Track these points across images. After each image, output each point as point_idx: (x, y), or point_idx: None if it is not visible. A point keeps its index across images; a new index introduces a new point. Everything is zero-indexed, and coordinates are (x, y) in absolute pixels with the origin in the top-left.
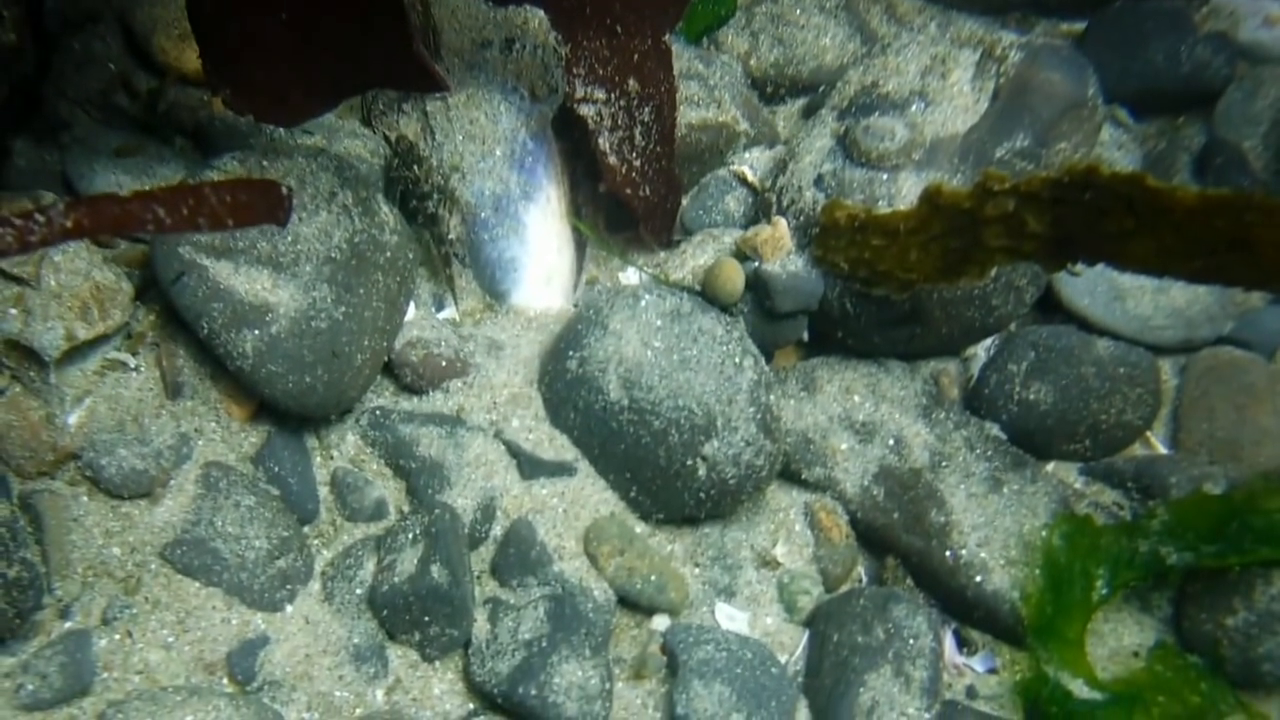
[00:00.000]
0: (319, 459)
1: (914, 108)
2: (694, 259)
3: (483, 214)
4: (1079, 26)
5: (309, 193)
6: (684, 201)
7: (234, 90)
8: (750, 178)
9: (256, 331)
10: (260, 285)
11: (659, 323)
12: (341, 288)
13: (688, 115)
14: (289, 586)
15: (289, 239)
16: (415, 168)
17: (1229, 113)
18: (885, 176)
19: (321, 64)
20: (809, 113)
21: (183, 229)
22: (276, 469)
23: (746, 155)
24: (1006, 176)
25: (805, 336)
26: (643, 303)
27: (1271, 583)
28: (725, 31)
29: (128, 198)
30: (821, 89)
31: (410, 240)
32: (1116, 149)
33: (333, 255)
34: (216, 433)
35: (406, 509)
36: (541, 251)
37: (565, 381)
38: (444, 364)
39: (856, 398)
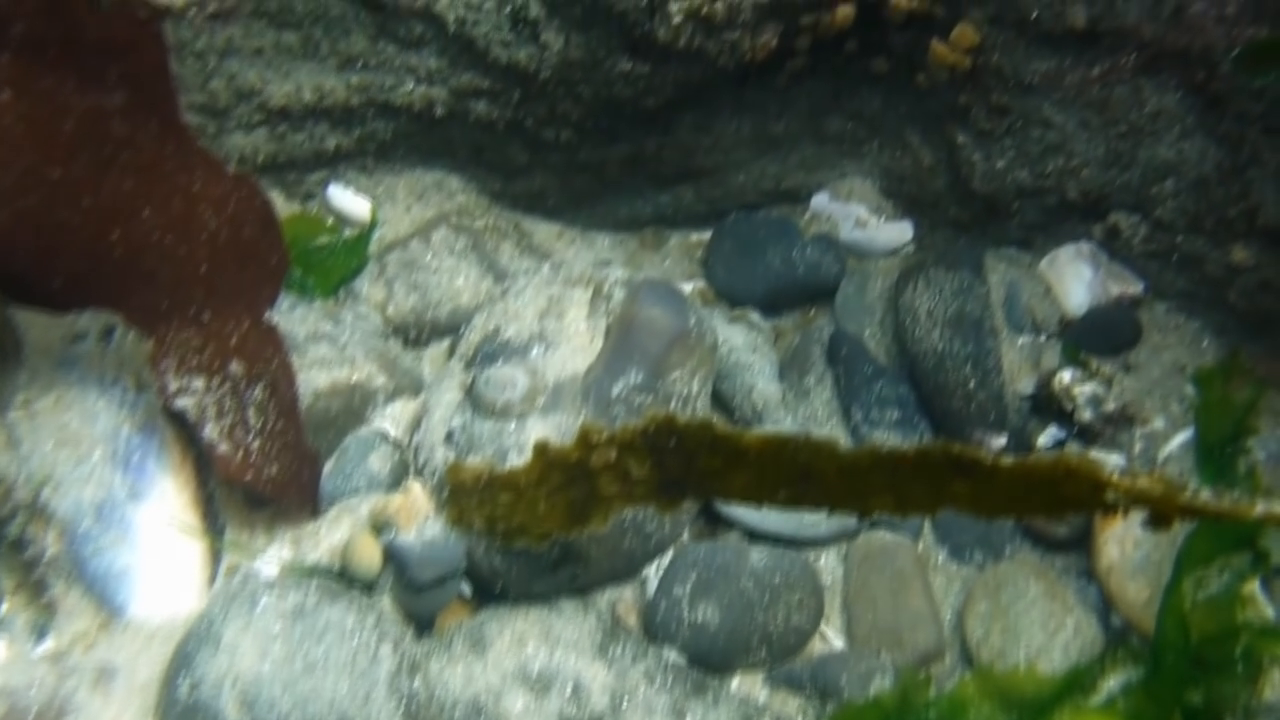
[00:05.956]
0: None
1: (534, 352)
2: (328, 537)
3: (83, 525)
4: (708, 234)
5: None
6: (328, 466)
7: None
8: (393, 434)
9: None
10: None
11: (278, 626)
12: None
13: (316, 380)
14: None
15: None
16: None
17: (846, 305)
18: (513, 426)
19: None
20: (454, 353)
21: None
22: None
23: (388, 410)
24: (603, 428)
25: (468, 592)
26: (259, 606)
27: None
28: (361, 281)
29: None
30: (462, 329)
31: None
32: (752, 352)
33: None
34: None
35: None
36: (159, 554)
37: (177, 712)
38: (31, 718)
39: (530, 648)
